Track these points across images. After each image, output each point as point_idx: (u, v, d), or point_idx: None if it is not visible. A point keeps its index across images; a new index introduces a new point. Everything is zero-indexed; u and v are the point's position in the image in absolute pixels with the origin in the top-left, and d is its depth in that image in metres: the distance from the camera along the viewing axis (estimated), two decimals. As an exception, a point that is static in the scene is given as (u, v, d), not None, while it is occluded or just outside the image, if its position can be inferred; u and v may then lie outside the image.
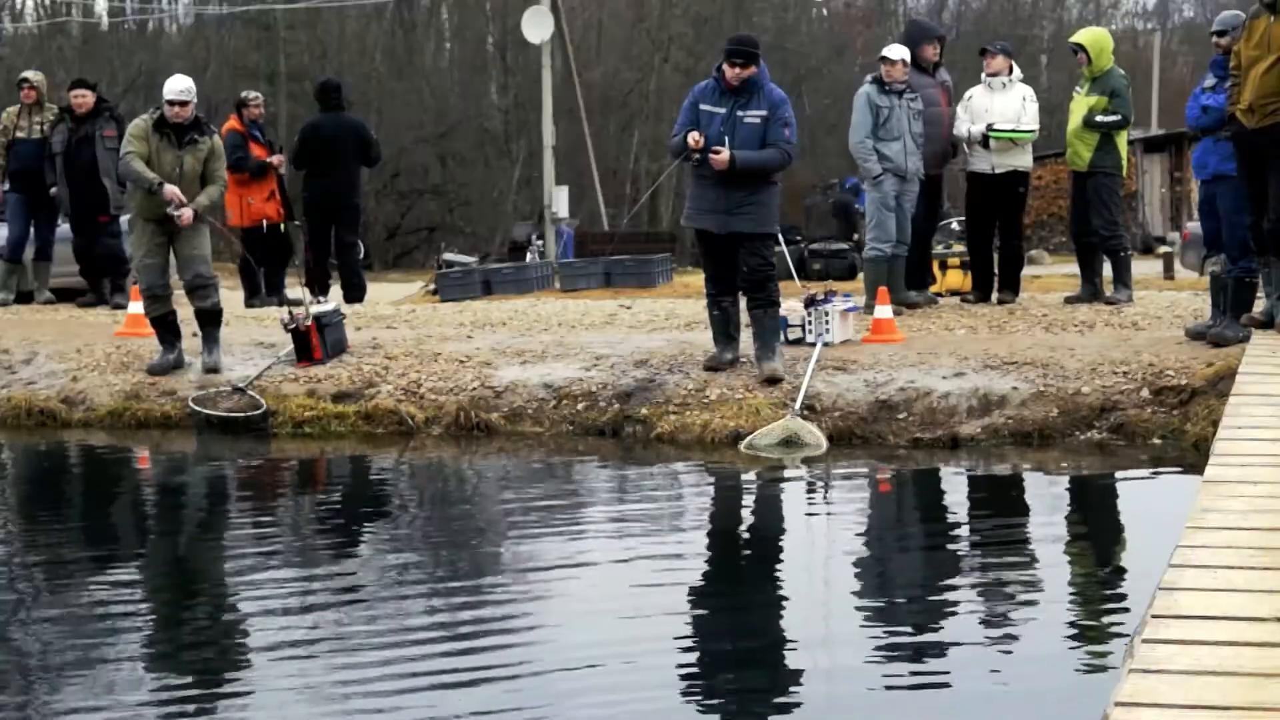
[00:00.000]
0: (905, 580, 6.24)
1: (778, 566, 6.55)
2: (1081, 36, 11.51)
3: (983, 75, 11.54)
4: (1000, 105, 11.33)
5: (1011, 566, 6.26)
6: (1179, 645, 3.31)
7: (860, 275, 13.81)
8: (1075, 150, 11.24)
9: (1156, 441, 8.39)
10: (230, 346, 10.39)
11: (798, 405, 8.85)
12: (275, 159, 13.89)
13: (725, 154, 8.96)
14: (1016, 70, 11.63)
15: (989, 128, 11.23)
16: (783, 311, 9.65)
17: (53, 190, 13.44)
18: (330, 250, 14.17)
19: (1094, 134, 11.13)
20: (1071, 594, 5.90)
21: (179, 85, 9.98)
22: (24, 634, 5.42)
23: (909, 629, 5.41)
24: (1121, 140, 11.38)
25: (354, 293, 14.07)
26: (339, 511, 7.86)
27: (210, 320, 10.10)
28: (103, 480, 8.92)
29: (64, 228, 13.87)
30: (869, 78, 11.03)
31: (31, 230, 13.52)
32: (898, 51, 10.88)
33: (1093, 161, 11.15)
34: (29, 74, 13.91)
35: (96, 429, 9.75)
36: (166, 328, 10.12)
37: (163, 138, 9.85)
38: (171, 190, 9.67)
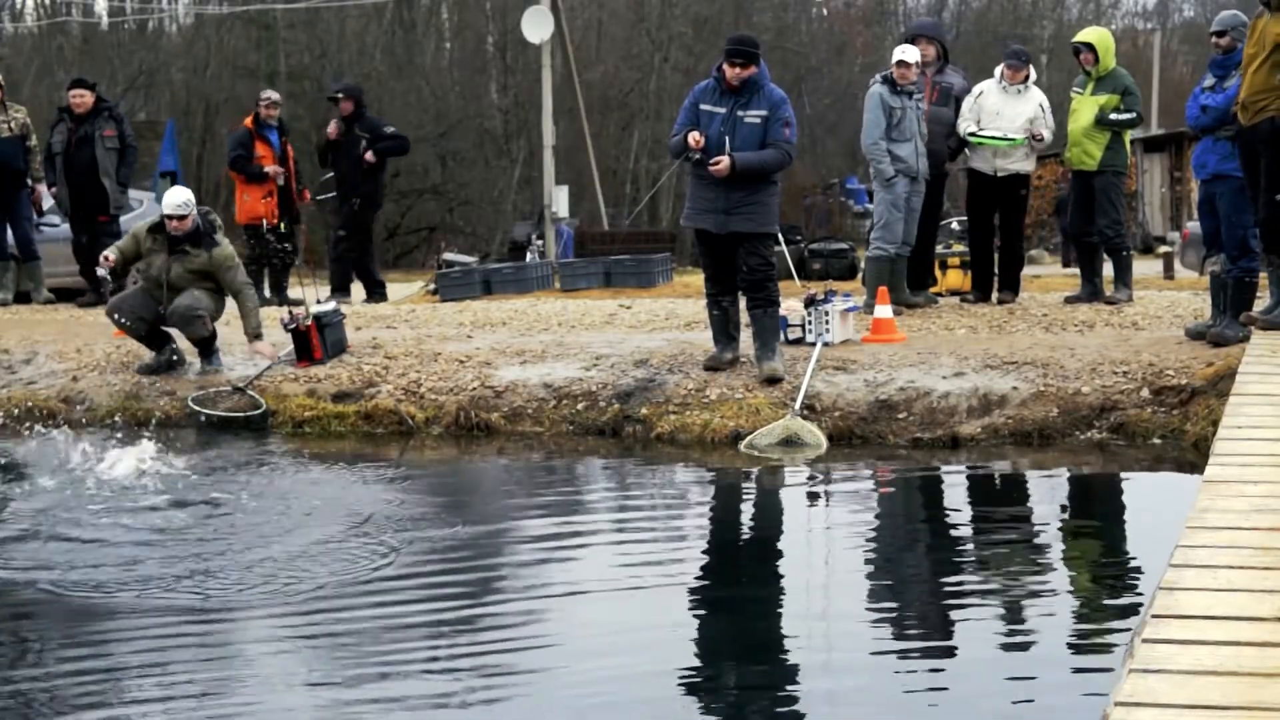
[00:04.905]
0: (905, 580, 6.23)
1: (777, 566, 6.54)
2: (1089, 35, 11.48)
3: (996, 73, 11.49)
4: (1011, 109, 11.27)
5: (1011, 566, 6.26)
6: (1179, 645, 3.31)
7: (860, 275, 13.81)
8: (1084, 149, 11.18)
9: (1156, 441, 8.39)
10: (230, 346, 10.40)
11: (798, 405, 8.85)
12: (273, 169, 13.96)
13: (725, 162, 8.95)
14: (1034, 74, 11.56)
15: (971, 134, 11.21)
16: (783, 311, 9.65)
17: (52, 190, 13.45)
18: (367, 249, 14.68)
19: (1104, 133, 11.11)
20: (1071, 594, 5.90)
21: (175, 199, 9.96)
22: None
23: (909, 629, 5.41)
24: (1127, 139, 11.39)
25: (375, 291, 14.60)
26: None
27: (202, 344, 10.14)
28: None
29: (64, 227, 13.88)
30: (879, 77, 10.97)
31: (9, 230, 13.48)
32: (912, 53, 10.85)
33: (1103, 160, 11.13)
34: None
35: (97, 429, 9.75)
36: (151, 341, 10.16)
37: (156, 240, 10.00)
38: (106, 257, 10.03)
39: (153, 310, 10.04)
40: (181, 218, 9.88)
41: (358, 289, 14.77)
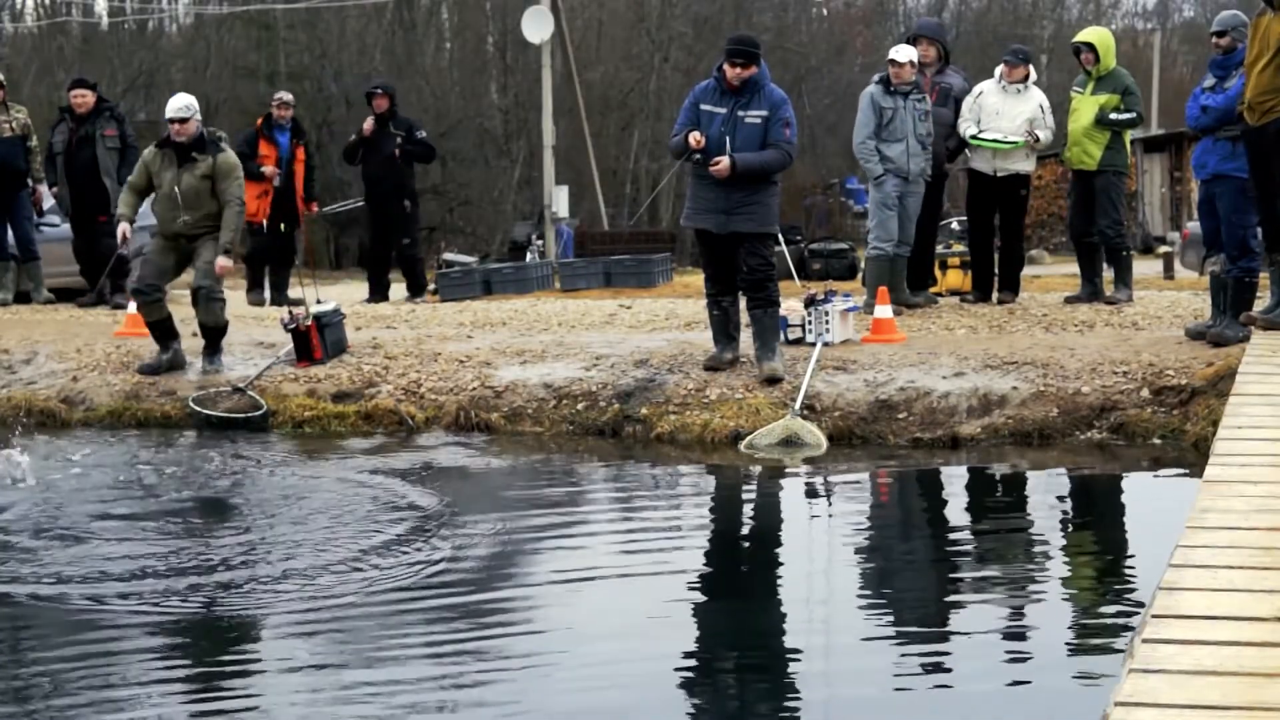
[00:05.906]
0: (905, 581, 6.23)
1: (777, 567, 6.55)
2: (1090, 35, 11.47)
3: (996, 72, 11.49)
4: (1011, 109, 11.27)
5: (1011, 567, 6.26)
6: (1179, 645, 3.31)
7: (860, 275, 13.82)
8: (1085, 149, 11.18)
9: (1156, 441, 8.39)
10: (230, 346, 10.40)
11: (798, 405, 8.85)
12: (269, 170, 14.00)
13: (725, 163, 8.96)
14: (1034, 74, 11.56)
15: (972, 136, 11.22)
16: (783, 311, 9.65)
17: (53, 190, 13.45)
18: (388, 248, 14.80)
19: (1105, 133, 11.10)
20: (1071, 594, 5.90)
21: (178, 103, 10.09)
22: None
23: (909, 629, 5.41)
24: (1127, 139, 11.39)
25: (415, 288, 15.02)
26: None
27: (212, 333, 10.15)
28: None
29: (64, 227, 13.88)
30: (876, 77, 11.03)
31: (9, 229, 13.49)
32: (905, 53, 10.87)
33: (1104, 160, 11.12)
34: None
35: (98, 429, 9.76)
36: (163, 332, 10.16)
37: (164, 157, 10.07)
38: (121, 230, 10.08)
39: (169, 273, 10.20)
40: (184, 120, 9.97)
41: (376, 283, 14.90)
